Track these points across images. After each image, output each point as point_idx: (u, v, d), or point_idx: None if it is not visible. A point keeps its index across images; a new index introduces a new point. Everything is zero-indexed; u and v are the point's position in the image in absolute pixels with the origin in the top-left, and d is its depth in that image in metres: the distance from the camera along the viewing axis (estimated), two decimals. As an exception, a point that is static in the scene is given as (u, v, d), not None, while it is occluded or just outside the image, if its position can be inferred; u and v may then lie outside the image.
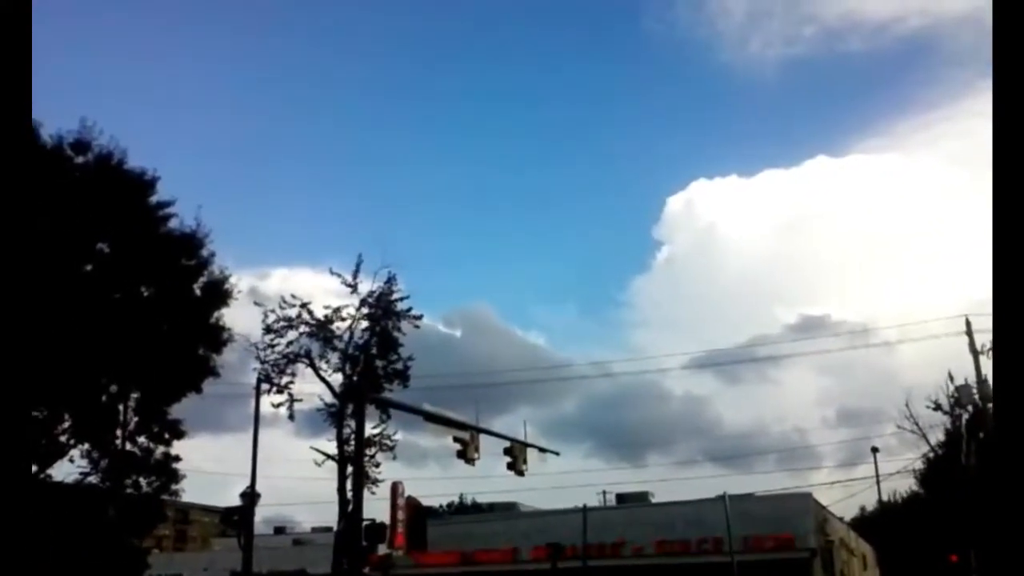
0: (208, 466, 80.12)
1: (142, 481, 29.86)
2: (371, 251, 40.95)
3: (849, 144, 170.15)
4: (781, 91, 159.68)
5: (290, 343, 30.60)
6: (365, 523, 28.01)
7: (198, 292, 30.14)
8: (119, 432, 29.34)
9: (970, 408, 37.23)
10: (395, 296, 30.62)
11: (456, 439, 28.84)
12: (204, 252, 30.03)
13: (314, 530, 66.87)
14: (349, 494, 28.69)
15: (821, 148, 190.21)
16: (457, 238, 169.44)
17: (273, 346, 30.49)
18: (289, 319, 30.46)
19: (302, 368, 30.72)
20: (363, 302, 30.45)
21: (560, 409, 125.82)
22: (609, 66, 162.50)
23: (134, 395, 29.61)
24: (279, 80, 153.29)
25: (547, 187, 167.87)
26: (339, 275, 30.61)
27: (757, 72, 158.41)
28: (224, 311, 30.36)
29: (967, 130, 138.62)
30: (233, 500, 32.29)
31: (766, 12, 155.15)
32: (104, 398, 28.85)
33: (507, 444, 30.96)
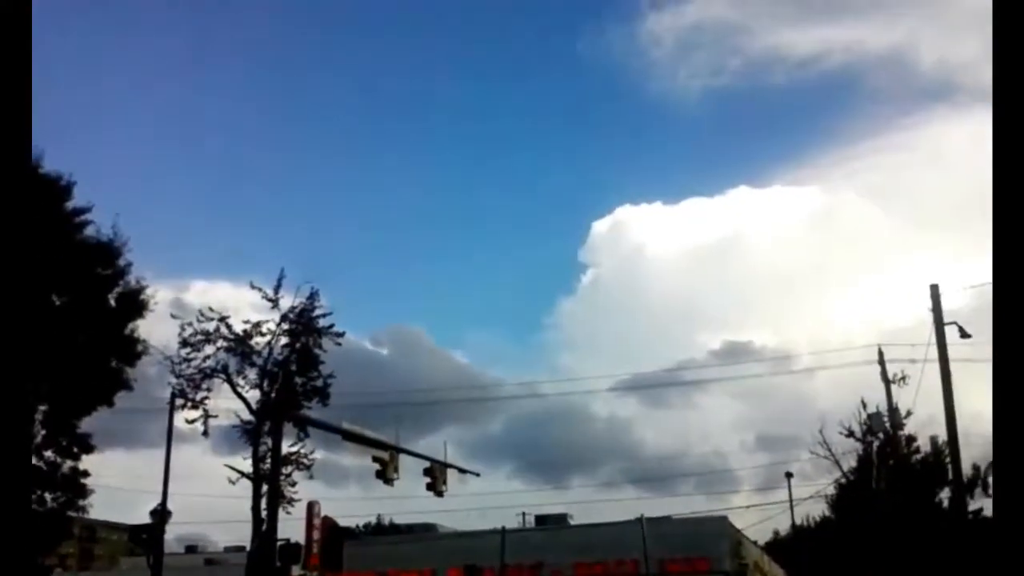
0: (119, 482, 77.52)
1: (47, 496, 28.83)
2: (294, 267, 40.41)
3: (771, 175, 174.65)
4: (707, 121, 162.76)
5: (207, 358, 30.02)
6: (280, 543, 27.52)
7: (113, 302, 29.33)
8: (24, 446, 28.33)
9: (881, 435, 38.15)
10: (317, 312, 30.31)
11: (375, 459, 28.53)
12: (121, 261, 29.23)
13: (227, 549, 65.23)
14: (264, 513, 28.16)
15: (743, 178, 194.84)
16: (383, 259, 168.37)
17: (189, 360, 29.86)
18: (207, 333, 29.87)
19: (219, 383, 30.20)
20: (284, 317, 30.03)
21: (486, 430, 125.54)
22: (540, 88, 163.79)
23: (42, 407, 28.64)
24: (202, 89, 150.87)
25: (474, 209, 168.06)
26: (260, 289, 30.19)
27: (684, 101, 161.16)
28: (140, 323, 29.63)
29: (885, 164, 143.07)
30: (143, 517, 31.48)
31: (694, 43, 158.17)
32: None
33: (427, 464, 30.77)
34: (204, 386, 30.09)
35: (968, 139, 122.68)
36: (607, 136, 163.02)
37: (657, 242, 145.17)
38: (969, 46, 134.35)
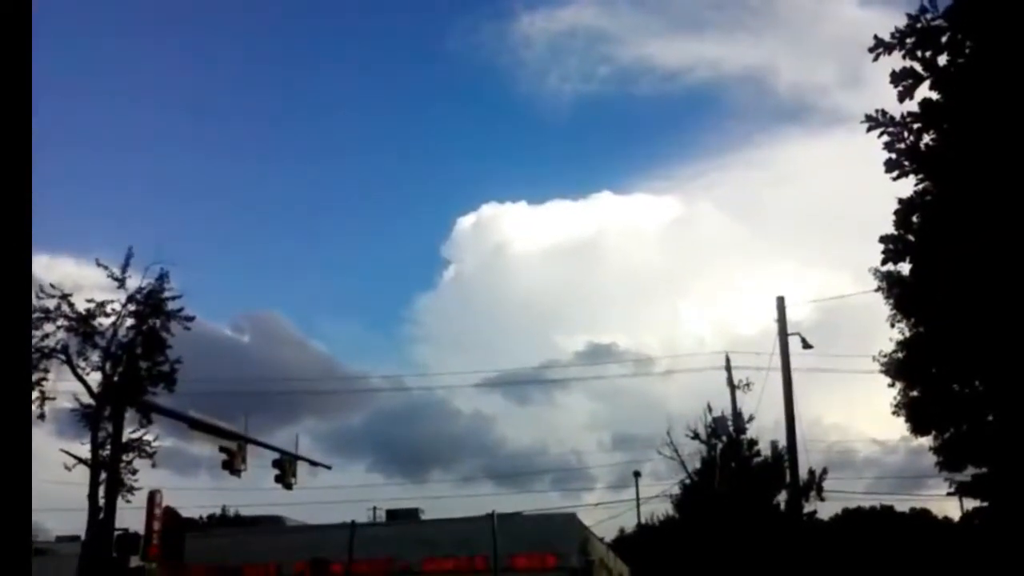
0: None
1: None
2: (147, 248, 38.73)
3: (634, 182, 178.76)
4: (574, 125, 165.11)
5: (46, 336, 28.55)
6: (118, 533, 26.50)
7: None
8: None
9: (724, 439, 39.58)
10: (166, 295, 29.24)
11: (223, 449, 27.74)
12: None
13: (59, 539, 62.22)
14: (102, 502, 27.02)
15: (607, 184, 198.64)
16: (245, 244, 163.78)
17: (26, 339, 28.35)
18: (47, 310, 28.42)
19: (59, 364, 28.80)
20: (130, 298, 28.86)
21: (346, 422, 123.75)
22: (407, 82, 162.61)
23: None
24: (53, 58, 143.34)
25: (338, 199, 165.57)
26: (106, 267, 28.92)
27: (553, 104, 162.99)
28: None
29: (740, 179, 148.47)
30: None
31: (566, 48, 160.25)
32: None
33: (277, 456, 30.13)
34: (42, 366, 28.62)
35: (817, 161, 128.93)
36: (474, 133, 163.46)
37: (520, 241, 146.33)
38: (825, 72, 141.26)
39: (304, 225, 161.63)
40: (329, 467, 33.58)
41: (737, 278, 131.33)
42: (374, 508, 56.24)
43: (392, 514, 51.19)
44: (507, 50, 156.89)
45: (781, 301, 30.66)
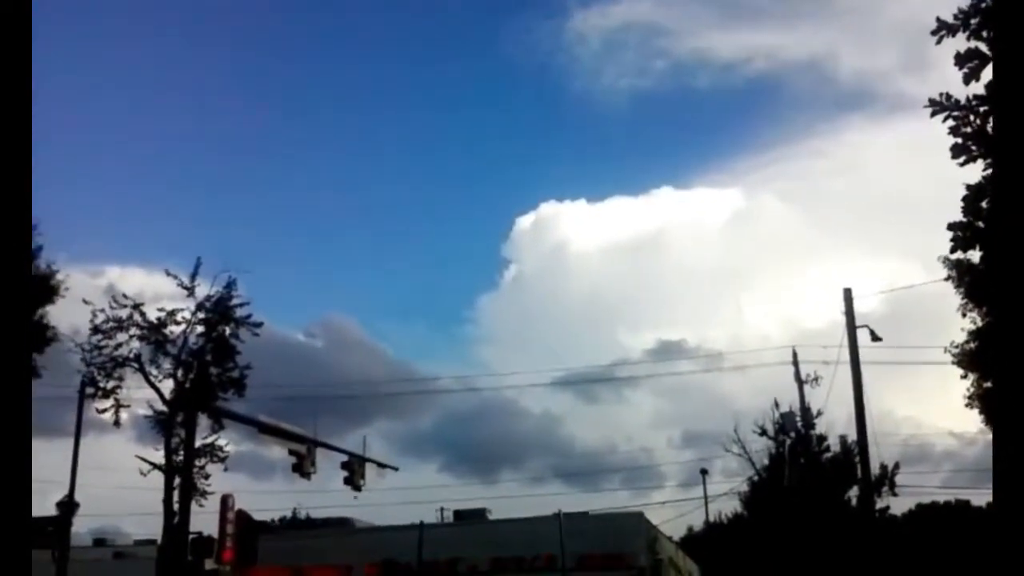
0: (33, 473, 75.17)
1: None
2: (215, 257, 39.56)
3: (694, 177, 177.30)
4: (632, 121, 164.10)
5: (119, 345, 29.24)
6: (192, 537, 27.00)
7: (22, 287, 28.42)
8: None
9: (793, 434, 39.02)
10: (235, 302, 29.72)
11: (292, 452, 28.16)
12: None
13: (137, 543, 63.72)
14: (176, 506, 27.58)
15: (667, 179, 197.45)
16: (313, 250, 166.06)
17: (100, 348, 29.04)
18: (119, 320, 29.08)
19: (132, 373, 29.46)
20: (200, 306, 29.39)
21: (416, 423, 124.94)
22: (464, 84, 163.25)
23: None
24: (118, 71, 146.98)
25: (396, 202, 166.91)
26: (175, 277, 29.51)
27: (610, 100, 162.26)
28: (50, 308, 28.74)
29: (803, 170, 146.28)
30: (49, 510, 30.57)
31: (621, 43, 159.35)
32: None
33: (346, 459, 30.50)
34: (116, 375, 29.31)
35: (881, 148, 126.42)
36: (531, 132, 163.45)
37: (581, 239, 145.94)
38: (887, 57, 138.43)
39: (368, 228, 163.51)
40: (396, 468, 33.87)
41: (802, 270, 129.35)
42: (442, 508, 56.55)
43: (460, 514, 51.44)
44: (562, 48, 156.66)
45: (848, 293, 30.13)
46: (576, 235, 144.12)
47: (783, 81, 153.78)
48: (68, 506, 29.32)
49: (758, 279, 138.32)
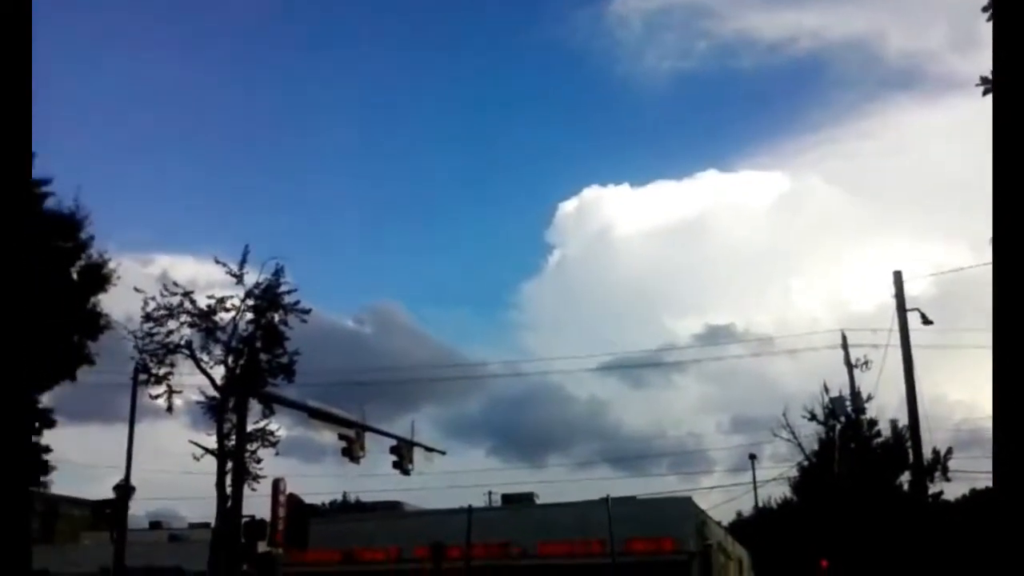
0: (83, 457, 77.27)
1: (7, 472, 28.55)
2: (263, 245, 40.16)
3: (739, 159, 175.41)
4: (674, 104, 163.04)
5: (170, 333, 29.73)
6: (245, 520, 27.43)
7: (75, 276, 28.99)
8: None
9: (843, 419, 38.59)
10: (283, 289, 30.04)
11: (341, 436, 28.45)
12: (83, 234, 28.89)
13: (192, 526, 65.10)
14: (229, 490, 28.02)
15: (711, 162, 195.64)
16: (361, 236, 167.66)
17: (152, 335, 29.57)
18: (170, 307, 29.56)
19: (183, 359, 29.94)
20: (248, 293, 29.77)
21: (464, 408, 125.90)
22: (504, 69, 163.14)
23: (2, 381, 28.31)
24: (165, 60, 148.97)
25: (441, 189, 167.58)
26: (224, 264, 29.89)
27: (652, 84, 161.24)
28: (102, 296, 29.32)
29: (850, 151, 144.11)
30: (107, 493, 31.27)
31: (663, 25, 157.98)
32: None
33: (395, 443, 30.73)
34: (168, 361, 29.80)
35: (930, 128, 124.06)
36: (573, 117, 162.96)
37: (624, 224, 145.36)
38: (935, 35, 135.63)
39: (414, 215, 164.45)
40: (444, 452, 33.99)
41: (850, 253, 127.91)
42: (489, 492, 56.98)
43: (507, 498, 51.80)
44: (603, 31, 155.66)
45: (898, 276, 29.65)
46: (620, 219, 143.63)
47: (828, 61, 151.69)
48: (125, 489, 29.94)
49: (806, 262, 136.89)
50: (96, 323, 29.09)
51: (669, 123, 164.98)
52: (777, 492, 62.23)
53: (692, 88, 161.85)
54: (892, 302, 29.71)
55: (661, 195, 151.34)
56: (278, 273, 29.96)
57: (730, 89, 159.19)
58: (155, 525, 71.26)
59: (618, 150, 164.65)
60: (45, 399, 29.51)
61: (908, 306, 29.31)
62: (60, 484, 31.88)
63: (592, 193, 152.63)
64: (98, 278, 29.03)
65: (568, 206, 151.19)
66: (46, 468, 29.44)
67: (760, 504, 56.37)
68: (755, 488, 51.92)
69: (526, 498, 50.31)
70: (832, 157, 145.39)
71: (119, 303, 30.29)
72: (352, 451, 28.37)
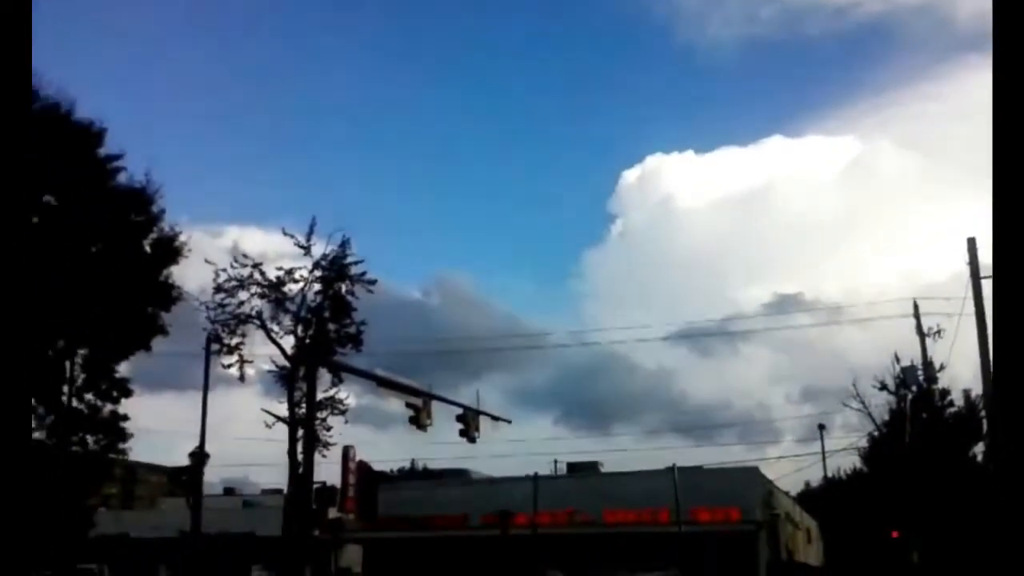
0: (159, 425, 79.59)
1: (89, 439, 29.49)
2: (329, 217, 40.69)
3: (805, 125, 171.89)
4: (740, 69, 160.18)
5: (241, 303, 30.26)
6: (316, 486, 27.94)
7: (148, 248, 29.65)
8: (66, 389, 28.92)
9: (914, 389, 37.84)
10: (349, 260, 30.35)
11: (409, 405, 28.73)
12: (154, 208, 29.51)
13: (264, 492, 66.66)
14: (300, 457, 28.55)
15: (777, 128, 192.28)
16: (418, 208, 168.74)
17: (224, 306, 30.14)
18: (240, 279, 30.05)
19: (253, 329, 30.47)
20: (316, 264, 30.14)
21: (530, 377, 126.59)
22: (565, 40, 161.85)
23: (81, 352, 29.17)
24: (232, 35, 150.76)
25: (504, 159, 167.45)
26: (292, 236, 30.26)
27: (717, 50, 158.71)
28: (174, 268, 29.95)
29: (920, 114, 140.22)
30: (182, 460, 32.07)
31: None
32: (51, 354, 28.38)
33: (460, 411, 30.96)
34: (239, 332, 30.34)
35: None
36: (637, 84, 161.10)
37: (688, 192, 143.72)
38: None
39: (477, 186, 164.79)
40: (509, 421, 34.15)
41: (921, 220, 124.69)
42: (555, 461, 57.24)
43: (572, 467, 52.02)
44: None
45: (972, 242, 28.79)
46: (683, 187, 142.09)
47: (897, 24, 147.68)
48: (199, 456, 30.64)
49: (875, 229, 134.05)
50: (169, 295, 29.77)
51: (734, 89, 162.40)
52: (846, 462, 61.50)
53: (757, 53, 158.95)
54: (966, 270, 28.91)
55: (726, 162, 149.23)
56: (344, 244, 30.28)
57: (796, 54, 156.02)
58: (229, 491, 73.18)
59: (682, 117, 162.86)
60: (122, 369, 30.40)
61: (982, 274, 28.50)
62: (138, 451, 32.73)
63: (655, 161, 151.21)
64: (170, 251, 29.68)
65: (631, 174, 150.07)
66: (124, 436, 30.33)
67: (829, 474, 55.67)
68: (824, 458, 51.24)
69: (591, 467, 50.48)
70: (902, 120, 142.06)
71: (191, 275, 30.93)
72: (419, 419, 28.64)
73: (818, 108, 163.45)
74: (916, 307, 34.71)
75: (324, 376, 29.59)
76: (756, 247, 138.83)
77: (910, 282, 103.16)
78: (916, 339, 34.89)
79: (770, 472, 45.81)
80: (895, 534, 40.19)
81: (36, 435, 29.24)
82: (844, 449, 52.77)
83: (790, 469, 77.00)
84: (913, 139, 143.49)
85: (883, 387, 40.93)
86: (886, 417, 42.38)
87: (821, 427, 51.76)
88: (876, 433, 43.49)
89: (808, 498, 62.94)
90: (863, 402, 42.27)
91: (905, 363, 37.79)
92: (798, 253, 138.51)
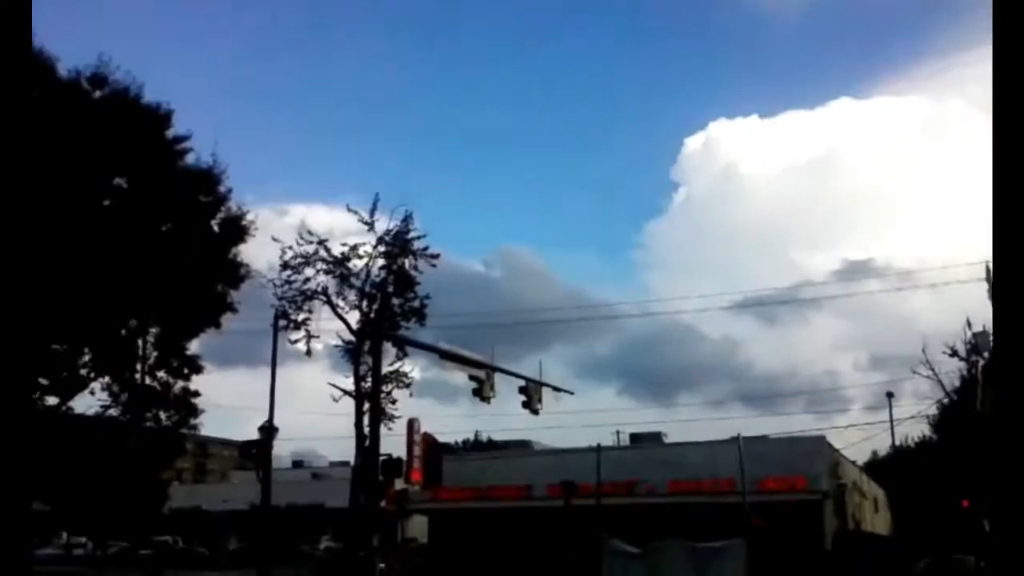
0: (229, 401, 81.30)
1: (162, 415, 30.32)
2: (393, 192, 40.96)
3: (873, 86, 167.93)
4: (804, 31, 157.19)
5: (307, 280, 30.70)
6: (382, 458, 28.34)
7: (216, 228, 30.19)
8: (139, 366, 29.73)
9: (986, 355, 37.07)
10: (412, 235, 30.60)
11: (472, 377, 28.93)
12: (221, 188, 30.04)
13: (332, 464, 67.82)
14: (367, 430, 28.98)
15: (844, 90, 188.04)
16: (485, 183, 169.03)
17: (290, 283, 30.61)
18: (306, 256, 30.50)
19: (320, 305, 30.90)
20: (380, 240, 30.43)
21: (594, 348, 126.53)
22: (628, 5, 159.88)
23: (153, 330, 29.91)
24: (298, 16, 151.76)
25: (564, 130, 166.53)
26: (356, 212, 30.59)
27: (780, 12, 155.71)
28: (242, 247, 30.45)
29: (986, 74, 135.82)
30: (252, 434, 32.74)
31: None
32: (124, 333, 29.15)
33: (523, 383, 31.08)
34: (306, 307, 30.85)
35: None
36: (700, 48, 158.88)
37: (753, 157, 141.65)
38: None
39: (538, 158, 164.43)
40: (571, 393, 34.17)
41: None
42: (618, 432, 57.25)
43: (635, 438, 51.95)
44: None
45: (1048, 205, 28.06)
46: (748, 153, 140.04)
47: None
48: (269, 430, 31.24)
49: (947, 191, 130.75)
50: (237, 272, 30.35)
51: (798, 51, 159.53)
52: (915, 431, 60.49)
53: (822, 15, 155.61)
54: (1041, 232, 28.16)
55: (791, 125, 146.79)
56: (407, 220, 30.57)
57: (862, 14, 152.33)
58: (297, 464, 74.61)
59: (746, 82, 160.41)
60: (193, 346, 31.12)
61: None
62: (209, 427, 33.50)
63: (719, 127, 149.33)
64: (238, 229, 30.21)
65: (694, 142, 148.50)
66: (195, 411, 31.11)
67: (897, 443, 54.88)
68: (892, 426, 50.47)
69: (654, 437, 50.35)
70: (973, 79, 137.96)
71: (259, 253, 31.44)
72: (482, 391, 28.83)
73: (885, 68, 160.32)
74: (988, 271, 33.92)
75: (389, 350, 30.04)
76: (824, 213, 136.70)
77: (982, 246, 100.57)
78: (988, 304, 34.14)
79: (837, 441, 45.22)
80: (965, 503, 39.55)
81: (111, 412, 30.14)
82: (913, 417, 52.07)
83: (858, 438, 75.70)
84: (985, 99, 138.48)
85: (954, 353, 40.17)
86: (957, 384, 41.58)
87: (889, 395, 50.87)
88: (946, 401, 42.71)
89: (876, 467, 62.12)
90: (933, 369, 41.53)
91: (977, 328, 37.03)
92: (867, 218, 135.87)
